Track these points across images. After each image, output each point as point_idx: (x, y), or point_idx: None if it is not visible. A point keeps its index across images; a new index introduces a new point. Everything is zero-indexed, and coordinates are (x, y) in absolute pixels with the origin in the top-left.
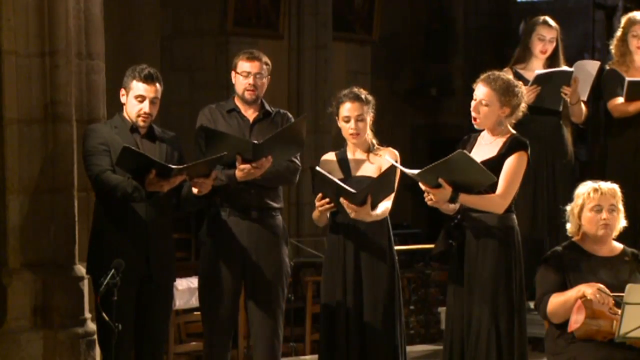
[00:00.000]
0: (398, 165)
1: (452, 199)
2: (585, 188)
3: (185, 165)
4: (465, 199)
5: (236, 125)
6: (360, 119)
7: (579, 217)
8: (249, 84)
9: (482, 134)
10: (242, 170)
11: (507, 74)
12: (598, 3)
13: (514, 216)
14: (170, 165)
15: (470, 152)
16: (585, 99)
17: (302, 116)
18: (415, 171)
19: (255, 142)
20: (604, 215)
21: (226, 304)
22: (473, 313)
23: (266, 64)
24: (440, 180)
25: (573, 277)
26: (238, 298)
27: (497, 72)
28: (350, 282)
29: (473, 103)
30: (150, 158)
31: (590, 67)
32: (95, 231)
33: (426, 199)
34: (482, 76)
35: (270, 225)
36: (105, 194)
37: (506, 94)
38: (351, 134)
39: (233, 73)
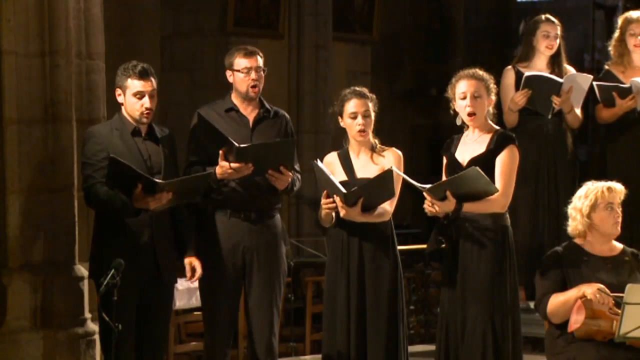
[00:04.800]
0: (400, 172)
1: (457, 211)
2: (596, 187)
3: (170, 181)
4: (469, 207)
5: (235, 126)
6: (367, 114)
7: (589, 216)
8: (252, 80)
9: (466, 132)
10: (221, 167)
11: (510, 73)
12: (598, 3)
13: (507, 215)
14: (155, 180)
15: (455, 153)
16: (579, 108)
17: (292, 139)
18: (426, 185)
19: (237, 146)
20: (617, 213)
21: (227, 304)
22: (467, 313)
23: (261, 56)
24: (447, 194)
25: (573, 277)
26: (239, 298)
27: (467, 69)
28: (354, 281)
29: (463, 102)
30: (136, 171)
31: (581, 80)
32: (97, 235)
33: (426, 209)
34: (458, 75)
35: (268, 225)
36: (95, 207)
37: (488, 82)
38: (359, 131)
39: (229, 72)
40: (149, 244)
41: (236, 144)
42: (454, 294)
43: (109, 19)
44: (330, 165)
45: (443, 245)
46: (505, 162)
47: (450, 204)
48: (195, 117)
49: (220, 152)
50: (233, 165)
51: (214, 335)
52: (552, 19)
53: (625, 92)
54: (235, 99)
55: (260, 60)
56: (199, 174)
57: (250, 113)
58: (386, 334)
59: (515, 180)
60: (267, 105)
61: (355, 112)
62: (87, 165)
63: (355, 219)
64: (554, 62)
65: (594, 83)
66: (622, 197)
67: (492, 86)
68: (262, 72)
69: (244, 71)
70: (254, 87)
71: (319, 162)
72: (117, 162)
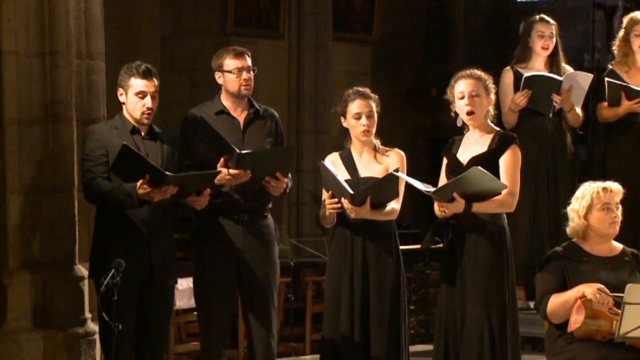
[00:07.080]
0: (404, 176)
1: (466, 211)
2: (592, 188)
3: (179, 175)
4: (478, 207)
5: (226, 129)
6: (370, 114)
7: (585, 217)
8: (244, 80)
9: (467, 133)
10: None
11: (508, 73)
12: (598, 3)
13: (505, 215)
14: (165, 172)
15: (456, 153)
16: (579, 107)
17: (291, 146)
18: (431, 189)
19: (238, 152)
20: (614, 213)
21: (222, 305)
22: (465, 312)
23: (249, 56)
24: (455, 195)
25: (573, 277)
26: (234, 299)
27: (464, 70)
28: (358, 278)
29: (462, 101)
30: (147, 161)
31: (581, 79)
32: (96, 235)
33: (438, 212)
34: (456, 76)
35: (261, 226)
36: (95, 201)
37: (486, 82)
38: (362, 131)
39: (218, 74)
40: (146, 244)
41: (237, 150)
42: (451, 292)
43: (109, 19)
44: (333, 166)
45: (440, 245)
46: (509, 163)
47: (459, 205)
48: (186, 119)
49: (222, 159)
50: (232, 171)
51: (209, 337)
52: (547, 18)
53: (634, 94)
54: (225, 100)
55: (249, 60)
56: (208, 172)
57: (240, 114)
58: (388, 330)
59: None
60: (256, 105)
61: (359, 113)
62: (86, 160)
63: (365, 216)
64: (552, 62)
65: (606, 79)
66: (620, 197)
67: (491, 86)
68: (252, 72)
69: (234, 72)
70: (246, 86)
71: (326, 162)
72: (129, 150)
